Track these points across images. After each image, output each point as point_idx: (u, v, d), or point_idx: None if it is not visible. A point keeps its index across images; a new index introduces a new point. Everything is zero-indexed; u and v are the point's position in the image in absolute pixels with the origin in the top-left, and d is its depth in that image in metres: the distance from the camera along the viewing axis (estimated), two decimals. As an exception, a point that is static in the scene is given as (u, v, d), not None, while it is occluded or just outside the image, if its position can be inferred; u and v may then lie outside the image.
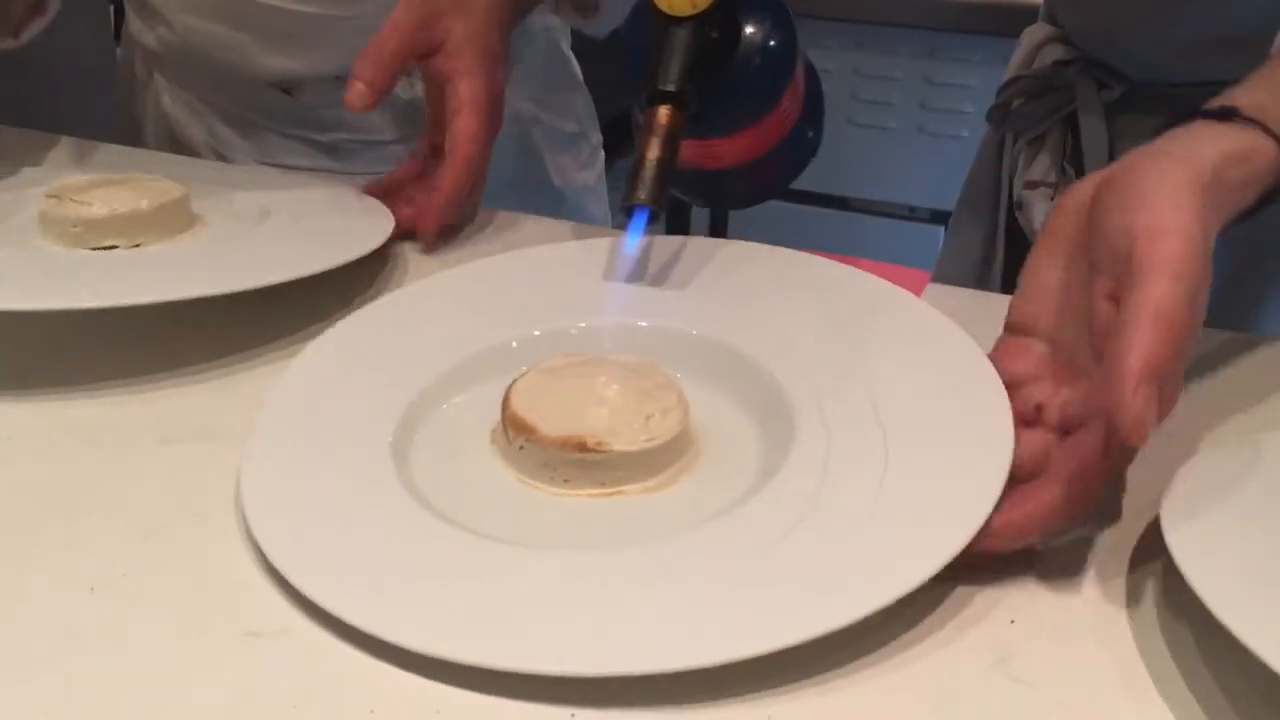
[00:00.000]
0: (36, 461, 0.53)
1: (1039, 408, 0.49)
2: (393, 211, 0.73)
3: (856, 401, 0.51)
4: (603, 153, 1.10)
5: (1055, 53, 0.85)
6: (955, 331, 0.55)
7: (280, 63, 0.90)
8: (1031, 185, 0.84)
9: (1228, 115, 0.50)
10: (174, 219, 0.70)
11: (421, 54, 0.74)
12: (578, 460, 0.50)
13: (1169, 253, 0.44)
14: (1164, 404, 0.43)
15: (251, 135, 0.96)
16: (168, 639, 0.43)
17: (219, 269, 0.64)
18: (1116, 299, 0.45)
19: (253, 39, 0.89)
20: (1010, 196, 0.89)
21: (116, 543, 0.48)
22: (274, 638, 0.43)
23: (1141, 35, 0.79)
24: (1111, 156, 0.80)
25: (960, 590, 0.46)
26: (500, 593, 0.43)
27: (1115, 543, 0.49)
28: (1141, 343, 0.43)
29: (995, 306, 0.54)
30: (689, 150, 0.64)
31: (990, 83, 1.73)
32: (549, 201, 1.02)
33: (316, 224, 0.72)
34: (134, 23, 0.98)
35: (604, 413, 0.51)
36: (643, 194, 0.59)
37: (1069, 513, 0.45)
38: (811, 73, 0.71)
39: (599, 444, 0.50)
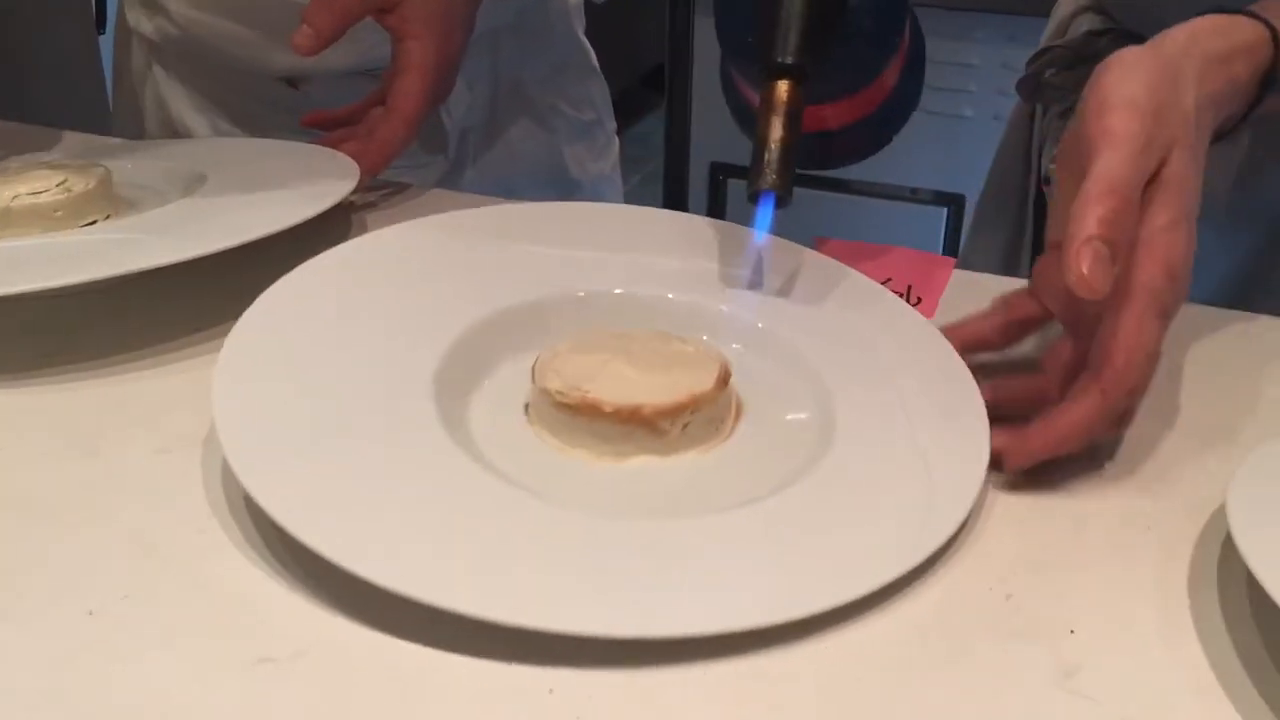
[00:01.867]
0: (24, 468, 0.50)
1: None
2: (335, 146, 0.74)
3: (881, 395, 0.53)
4: (617, 140, 1.08)
5: (1089, 22, 0.83)
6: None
7: (287, 57, 0.86)
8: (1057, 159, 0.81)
9: (1224, 9, 0.56)
10: (87, 205, 0.67)
11: (377, 9, 0.74)
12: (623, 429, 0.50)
13: (1110, 125, 0.49)
14: (1116, 260, 0.47)
15: (255, 130, 0.93)
16: (174, 667, 0.40)
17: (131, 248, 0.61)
18: None
19: (258, 33, 0.87)
20: (1039, 171, 0.87)
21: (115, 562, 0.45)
22: (288, 663, 0.40)
23: (1178, 5, 0.76)
24: None
25: (1015, 599, 0.43)
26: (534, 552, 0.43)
27: (1173, 542, 0.47)
28: (1085, 212, 0.47)
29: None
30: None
31: (992, 61, 1.73)
32: (565, 192, 1.01)
33: (263, 190, 0.69)
34: (131, 11, 0.95)
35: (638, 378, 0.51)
36: (771, 179, 0.55)
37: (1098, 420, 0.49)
38: (915, 24, 0.66)
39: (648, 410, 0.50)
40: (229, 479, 0.48)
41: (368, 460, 0.47)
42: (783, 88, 0.56)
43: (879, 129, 0.68)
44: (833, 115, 0.64)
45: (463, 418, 0.52)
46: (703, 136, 1.93)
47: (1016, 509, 0.49)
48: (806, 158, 0.68)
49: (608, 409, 0.49)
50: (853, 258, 0.69)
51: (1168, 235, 0.49)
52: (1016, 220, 0.93)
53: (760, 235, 0.58)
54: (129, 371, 0.57)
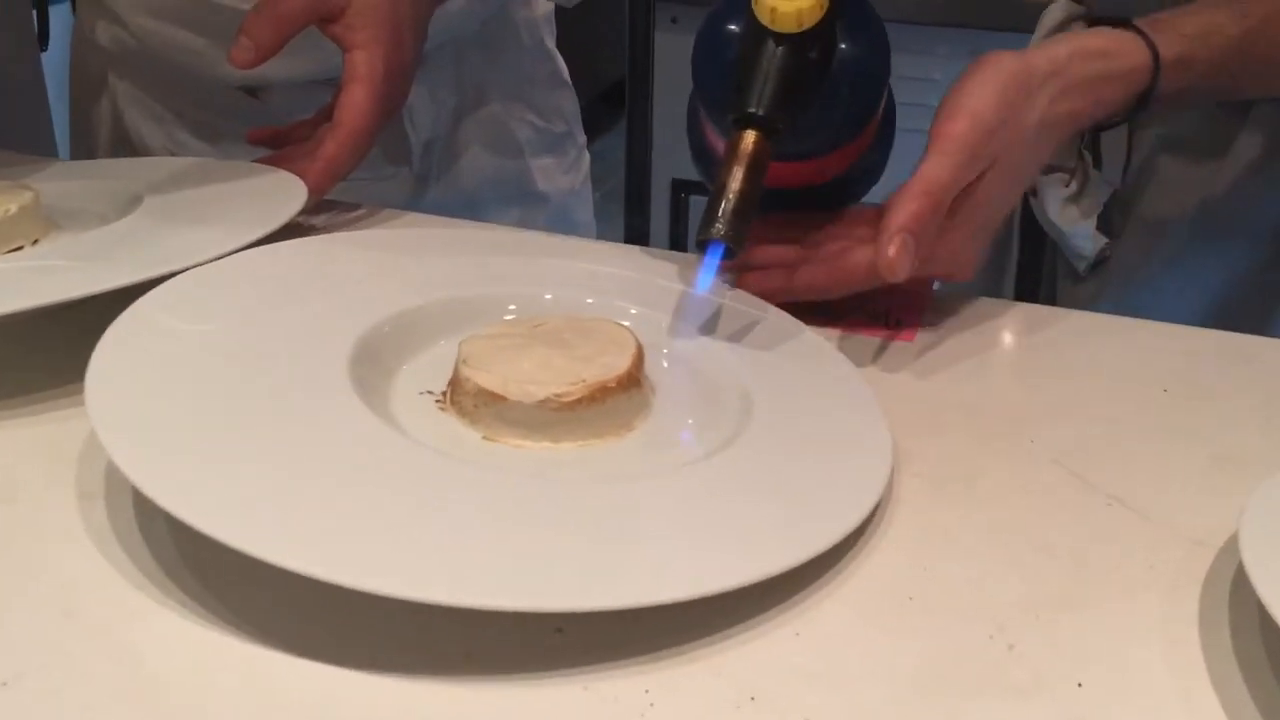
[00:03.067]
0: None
1: None
2: (282, 165, 0.71)
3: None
4: (587, 155, 1.06)
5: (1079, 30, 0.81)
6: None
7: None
8: (1045, 170, 0.80)
9: (1112, 22, 0.61)
10: (11, 230, 0.63)
11: (321, 18, 0.71)
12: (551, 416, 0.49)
13: (948, 131, 0.55)
14: (920, 253, 0.55)
15: (214, 141, 0.90)
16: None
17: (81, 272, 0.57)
18: None
19: (216, 43, 0.84)
20: None
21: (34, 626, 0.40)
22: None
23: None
24: (1130, 141, 0.78)
25: (1017, 649, 0.40)
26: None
27: (1180, 580, 0.44)
28: (903, 208, 0.54)
29: (1002, 311, 0.61)
30: None
31: (954, 76, 1.71)
32: (531, 207, 0.99)
33: (203, 212, 0.66)
34: (85, 20, 0.92)
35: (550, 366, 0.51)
36: (721, 228, 0.53)
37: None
38: (890, 98, 0.66)
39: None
40: (167, 527, 0.44)
41: (291, 448, 0.44)
42: (750, 138, 0.55)
43: (837, 196, 0.67)
44: (793, 175, 0.63)
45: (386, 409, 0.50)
46: (664, 153, 1.91)
47: (1014, 546, 0.46)
48: (766, 211, 0.68)
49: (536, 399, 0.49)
50: None
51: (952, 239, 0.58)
52: (1001, 235, 0.90)
53: (703, 285, 0.56)
54: (51, 410, 0.52)
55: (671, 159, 1.90)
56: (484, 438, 0.50)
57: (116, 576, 0.42)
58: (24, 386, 0.54)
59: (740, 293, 0.61)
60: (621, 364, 0.51)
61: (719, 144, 0.60)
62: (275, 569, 0.38)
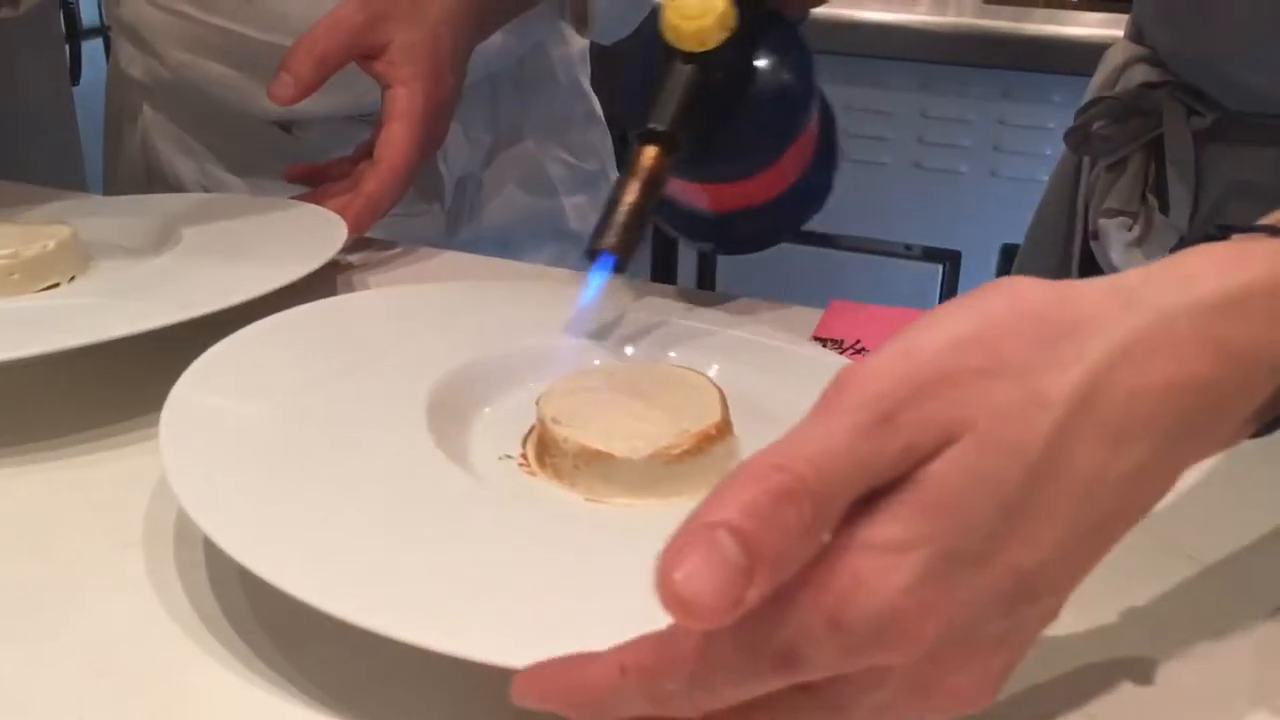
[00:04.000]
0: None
1: None
2: (320, 202, 0.70)
3: None
4: None
5: (1142, 74, 0.80)
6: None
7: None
8: (1110, 214, 0.79)
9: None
10: (46, 267, 0.61)
11: (363, 56, 0.71)
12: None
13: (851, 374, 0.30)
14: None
15: (247, 175, 0.89)
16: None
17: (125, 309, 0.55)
18: None
19: (249, 76, 0.83)
20: (1086, 226, 0.84)
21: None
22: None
23: (1242, 60, 0.74)
24: (1198, 187, 0.76)
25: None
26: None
27: (1271, 650, 0.41)
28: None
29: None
30: (693, 192, 0.60)
31: (987, 117, 1.70)
32: (565, 246, 0.97)
33: (242, 250, 0.64)
34: (123, 52, 0.92)
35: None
36: (611, 240, 0.53)
37: None
38: (827, 114, 0.65)
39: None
40: (210, 577, 0.42)
41: (374, 510, 0.41)
42: (649, 153, 0.54)
43: (780, 215, 0.66)
44: (731, 195, 0.63)
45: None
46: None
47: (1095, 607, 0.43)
48: (702, 236, 0.69)
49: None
50: (871, 322, 0.66)
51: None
52: (1059, 275, 0.88)
53: (590, 294, 0.55)
54: (87, 454, 0.51)
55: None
56: (586, 499, 0.46)
57: (156, 630, 0.40)
58: (58, 428, 0.52)
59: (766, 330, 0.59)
60: (713, 411, 0.48)
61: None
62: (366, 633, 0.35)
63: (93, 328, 0.51)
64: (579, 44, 0.98)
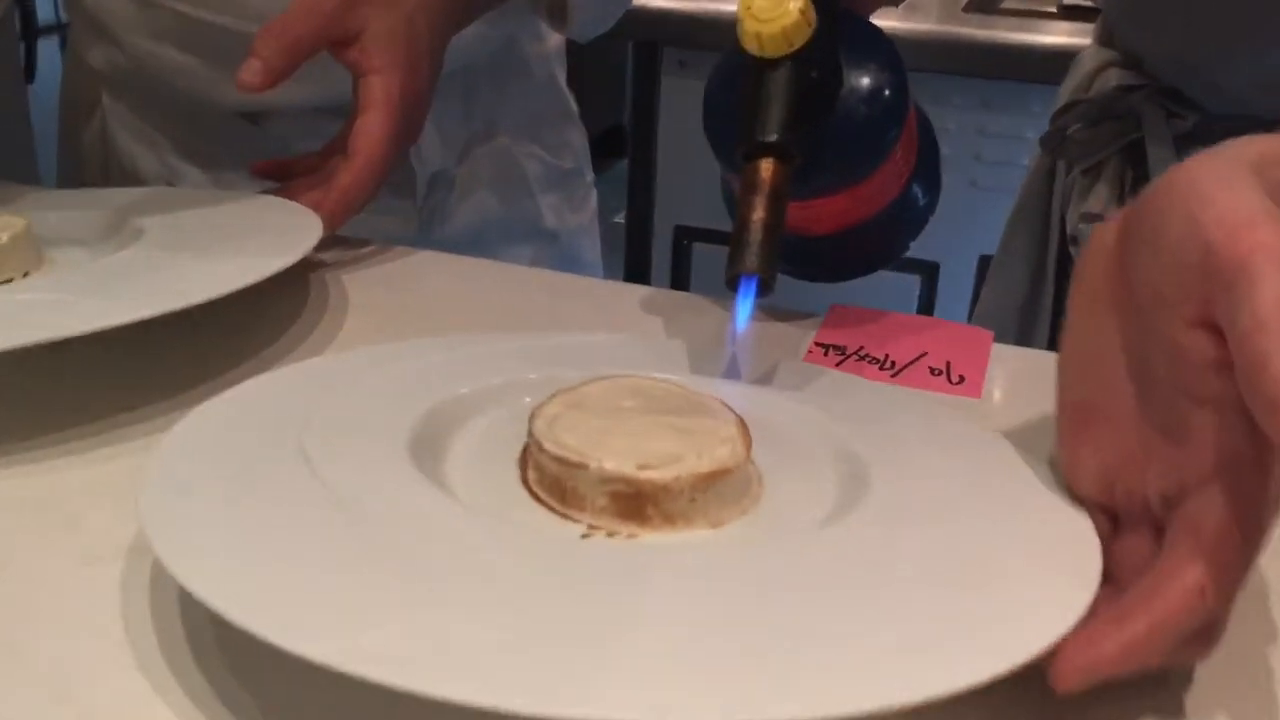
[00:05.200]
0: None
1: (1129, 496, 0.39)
2: (292, 197, 0.66)
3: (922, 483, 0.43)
4: (595, 192, 1.03)
5: (1117, 77, 0.79)
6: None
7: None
8: (1089, 218, 0.79)
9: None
10: (6, 259, 0.58)
11: (335, 42, 0.68)
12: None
13: (1264, 240, 0.35)
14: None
15: (210, 167, 0.85)
16: None
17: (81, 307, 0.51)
18: (1207, 323, 0.36)
19: (215, 66, 0.79)
20: (1062, 230, 0.83)
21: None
22: None
23: (1223, 64, 0.73)
24: None
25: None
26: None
27: None
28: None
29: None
30: (795, 213, 0.54)
31: (966, 124, 1.68)
32: (541, 245, 0.95)
33: (210, 245, 0.60)
34: (82, 41, 0.88)
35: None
36: (751, 262, 0.49)
37: (1171, 634, 0.35)
38: (926, 124, 0.62)
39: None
40: (179, 597, 0.38)
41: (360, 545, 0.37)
42: (765, 166, 0.51)
43: (877, 239, 0.63)
44: (824, 215, 0.60)
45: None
46: (667, 199, 1.87)
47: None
48: (788, 260, 0.62)
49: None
50: (875, 328, 0.63)
51: None
52: (1034, 280, 0.88)
53: (740, 324, 0.51)
54: (44, 461, 0.47)
55: (675, 206, 1.86)
56: (605, 532, 0.42)
57: (118, 652, 0.37)
58: (10, 434, 0.48)
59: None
60: (727, 425, 0.44)
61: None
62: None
63: (48, 325, 0.47)
64: (555, 40, 0.96)
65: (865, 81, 0.56)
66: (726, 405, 0.46)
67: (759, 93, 0.52)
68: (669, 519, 0.41)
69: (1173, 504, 0.37)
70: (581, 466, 0.41)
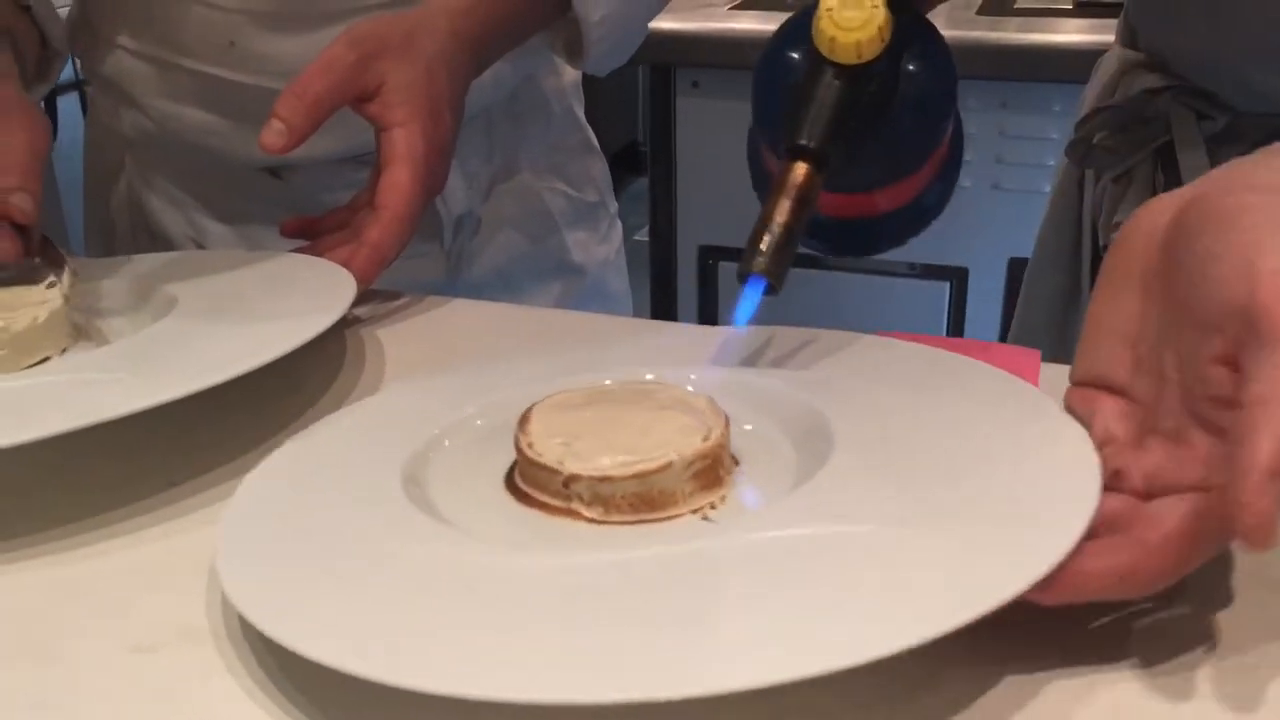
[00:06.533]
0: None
1: (1118, 473, 0.41)
2: (321, 254, 0.67)
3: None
4: (619, 224, 1.02)
5: (1143, 80, 0.78)
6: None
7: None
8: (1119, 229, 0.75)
9: None
10: (36, 340, 0.57)
11: (355, 98, 0.68)
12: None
13: None
14: None
15: (236, 224, 0.85)
16: None
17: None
18: (1231, 363, 0.37)
19: (237, 124, 0.80)
20: (1095, 240, 0.82)
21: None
22: None
23: (1253, 58, 0.72)
24: None
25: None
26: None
27: None
28: (1273, 431, 0.33)
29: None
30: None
31: (988, 130, 1.67)
32: (569, 280, 0.95)
33: (246, 311, 0.60)
34: (102, 105, 0.88)
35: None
36: (763, 263, 0.50)
37: (1134, 584, 0.37)
38: (958, 126, 0.62)
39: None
40: (238, 681, 0.38)
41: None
42: (800, 170, 0.52)
43: (895, 229, 0.64)
44: (848, 206, 0.61)
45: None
46: (689, 219, 1.86)
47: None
48: (830, 244, 0.65)
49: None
50: None
51: None
52: (1068, 291, 0.87)
53: (740, 321, 0.53)
54: (90, 544, 0.46)
55: (698, 225, 1.85)
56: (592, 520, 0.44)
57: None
58: (55, 518, 0.48)
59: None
60: (704, 413, 0.46)
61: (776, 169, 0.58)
62: None
63: (92, 408, 0.46)
64: (571, 75, 0.96)
65: (920, 92, 0.56)
66: (712, 401, 0.48)
67: (813, 92, 0.52)
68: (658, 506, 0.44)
69: (1155, 495, 0.39)
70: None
